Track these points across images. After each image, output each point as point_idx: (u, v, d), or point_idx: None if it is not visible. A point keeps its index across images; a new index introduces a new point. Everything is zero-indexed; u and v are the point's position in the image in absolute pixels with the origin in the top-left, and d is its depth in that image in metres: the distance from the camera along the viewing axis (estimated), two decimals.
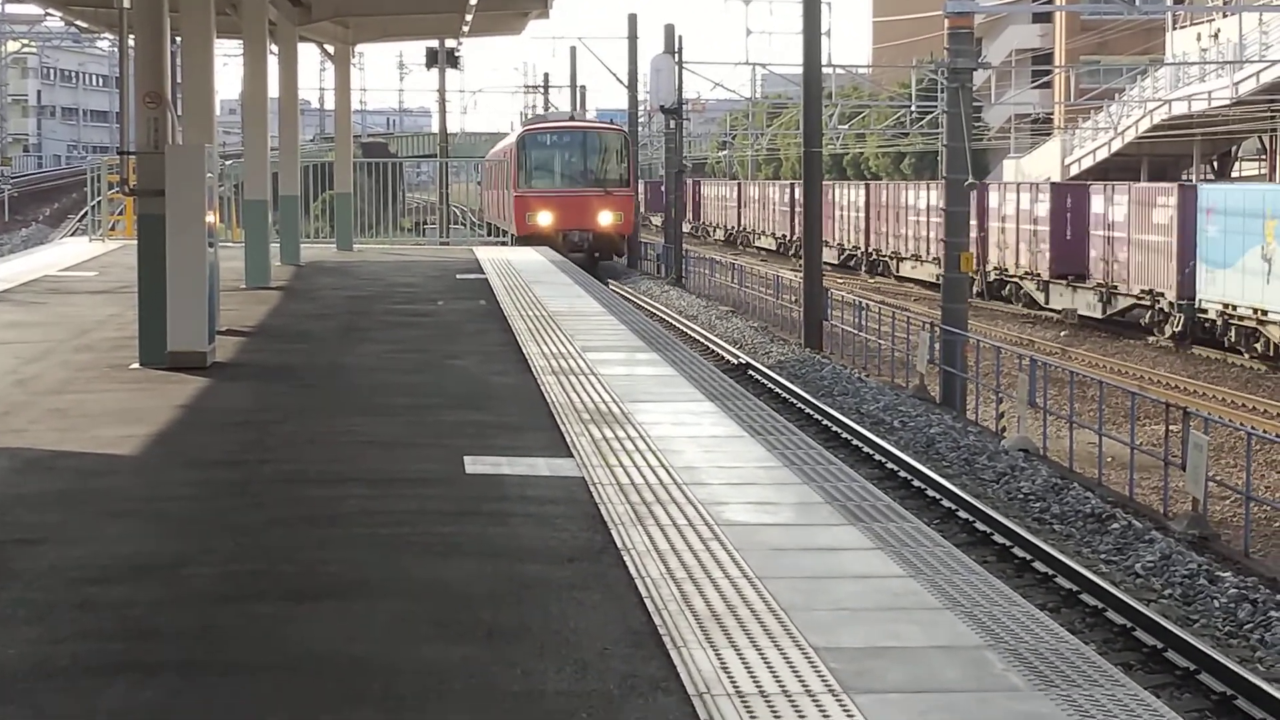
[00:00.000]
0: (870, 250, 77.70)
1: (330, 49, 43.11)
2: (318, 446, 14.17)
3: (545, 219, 48.18)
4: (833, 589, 9.24)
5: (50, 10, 40.36)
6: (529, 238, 43.86)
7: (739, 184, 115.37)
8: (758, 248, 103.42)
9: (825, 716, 6.99)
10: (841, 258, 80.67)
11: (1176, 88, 70.87)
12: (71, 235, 51.56)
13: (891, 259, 73.87)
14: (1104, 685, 7.77)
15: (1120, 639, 17.77)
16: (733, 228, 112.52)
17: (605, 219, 49.89)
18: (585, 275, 39.24)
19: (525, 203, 49.09)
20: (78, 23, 41.54)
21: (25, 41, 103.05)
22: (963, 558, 10.39)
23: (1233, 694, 15.37)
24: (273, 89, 33.03)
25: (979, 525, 23.07)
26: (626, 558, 9.84)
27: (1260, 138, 72.92)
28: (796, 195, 78.88)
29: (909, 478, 26.16)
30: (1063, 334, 50.91)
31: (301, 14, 35.27)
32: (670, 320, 51.29)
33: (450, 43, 54.26)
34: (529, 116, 64.92)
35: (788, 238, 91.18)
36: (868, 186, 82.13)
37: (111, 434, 14.31)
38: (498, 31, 45.11)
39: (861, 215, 79.00)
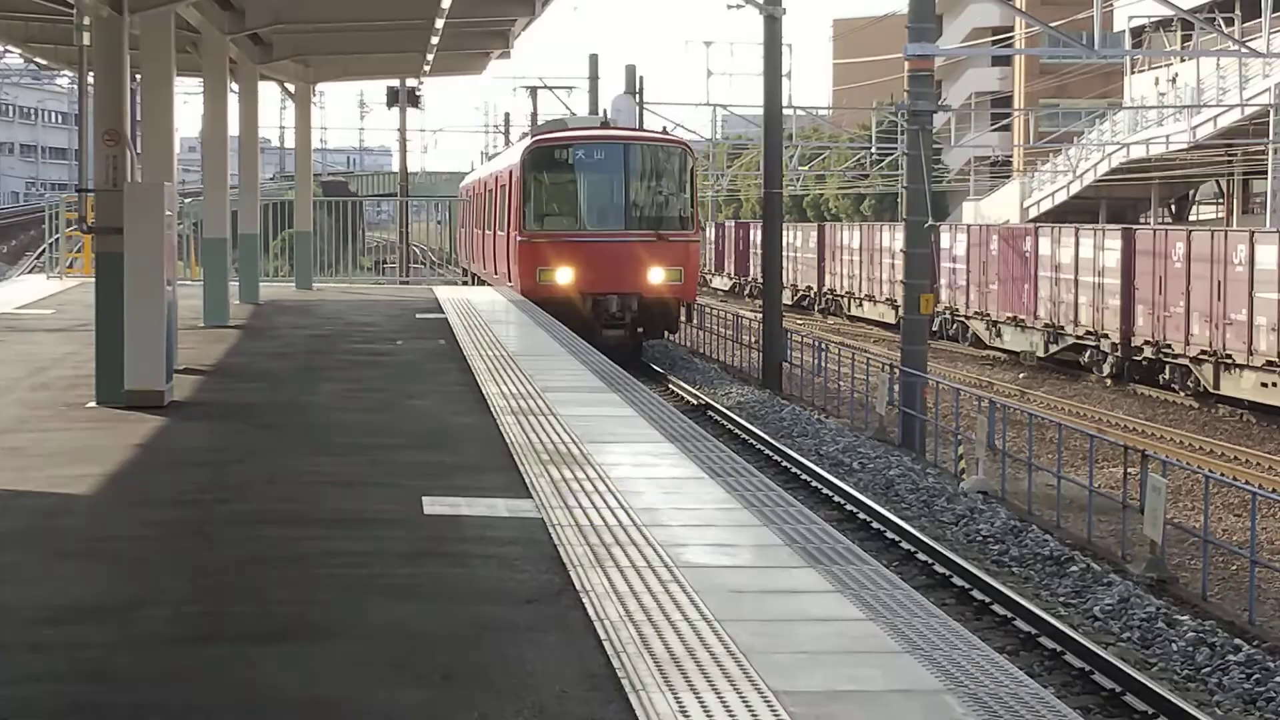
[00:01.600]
0: (825, 291, 75.42)
1: (291, 87, 43.33)
2: (276, 486, 14.17)
3: (565, 276, 31.89)
4: (792, 632, 9.24)
5: (9, 47, 40.33)
6: (542, 302, 31.04)
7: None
8: (713, 286, 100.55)
9: None
10: (795, 298, 76.60)
11: (1135, 131, 71.96)
12: (29, 273, 51.36)
13: (845, 299, 72.21)
14: None
15: (1079, 682, 17.93)
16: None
17: (657, 277, 32.33)
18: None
19: (534, 252, 32.73)
20: (37, 60, 41.83)
21: None
22: (922, 600, 10.39)
23: None
24: (233, 127, 32.89)
25: (938, 568, 23.25)
26: (585, 599, 9.82)
27: (1217, 181, 74.02)
28: (754, 236, 79.03)
29: (868, 519, 26.26)
30: (1021, 375, 51.00)
31: (262, 52, 35.36)
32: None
33: (411, 82, 52.09)
34: (541, 124, 47.50)
35: (743, 279, 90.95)
36: (820, 228, 79.19)
37: (67, 473, 14.25)
38: (459, 71, 45.37)
39: (814, 256, 76.30)
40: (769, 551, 11.59)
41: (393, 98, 53.89)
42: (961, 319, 54.39)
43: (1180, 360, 39.16)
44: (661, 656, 8.50)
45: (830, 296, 73.06)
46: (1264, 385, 35.31)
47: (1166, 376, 41.05)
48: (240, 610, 9.76)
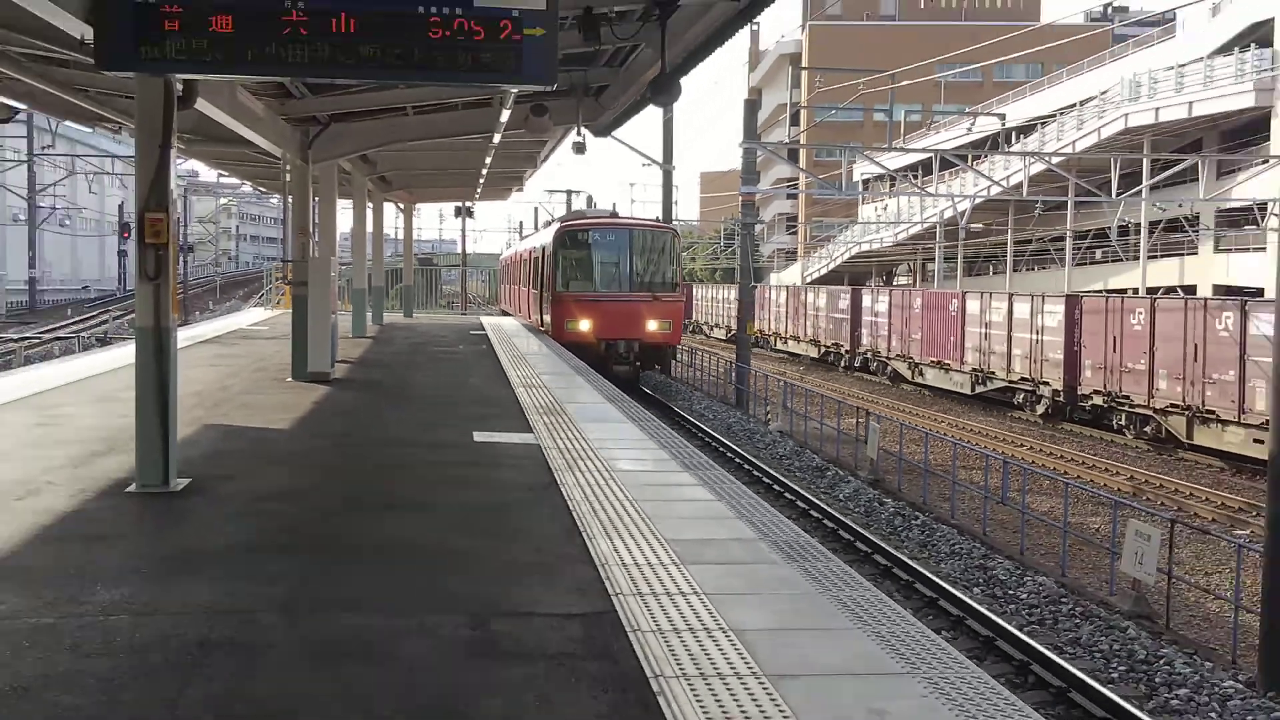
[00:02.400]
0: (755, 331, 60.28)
1: (401, 205, 45.67)
2: (390, 426, 14.51)
3: (586, 325, 31.00)
4: (677, 508, 9.61)
5: (245, 181, 42.31)
6: (569, 344, 29.31)
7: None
8: None
9: (671, 578, 7.56)
10: (728, 335, 62.86)
11: (864, 236, 74.20)
12: (255, 306, 51.83)
13: (772, 337, 59.98)
14: (819, 558, 8.63)
15: (832, 537, 17.83)
16: None
17: (653, 327, 31.83)
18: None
19: (565, 307, 31.58)
20: (260, 188, 43.67)
21: (230, 199, 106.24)
22: (745, 490, 10.69)
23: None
24: (369, 226, 34.62)
25: (754, 472, 23.37)
26: (561, 489, 10.30)
27: (909, 264, 77.11)
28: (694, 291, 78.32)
29: (717, 446, 26.41)
30: (881, 387, 50.10)
31: (384, 186, 36.18)
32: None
33: (467, 203, 52.87)
34: (566, 214, 43.81)
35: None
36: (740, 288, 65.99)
37: (275, 416, 14.64)
38: (493, 198, 46.73)
39: (734, 306, 59.90)
40: (663, 463, 11.87)
41: (457, 212, 53.81)
42: (882, 359, 45.83)
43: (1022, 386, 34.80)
44: (603, 519, 9.13)
45: (759, 335, 58.40)
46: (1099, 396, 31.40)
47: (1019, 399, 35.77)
48: (369, 494, 10.30)
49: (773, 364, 49.29)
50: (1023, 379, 35.14)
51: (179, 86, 9.88)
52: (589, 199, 64.94)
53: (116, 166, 62.43)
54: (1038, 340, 34.28)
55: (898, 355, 44.68)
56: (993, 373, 37.15)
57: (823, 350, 52.50)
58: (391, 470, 11.40)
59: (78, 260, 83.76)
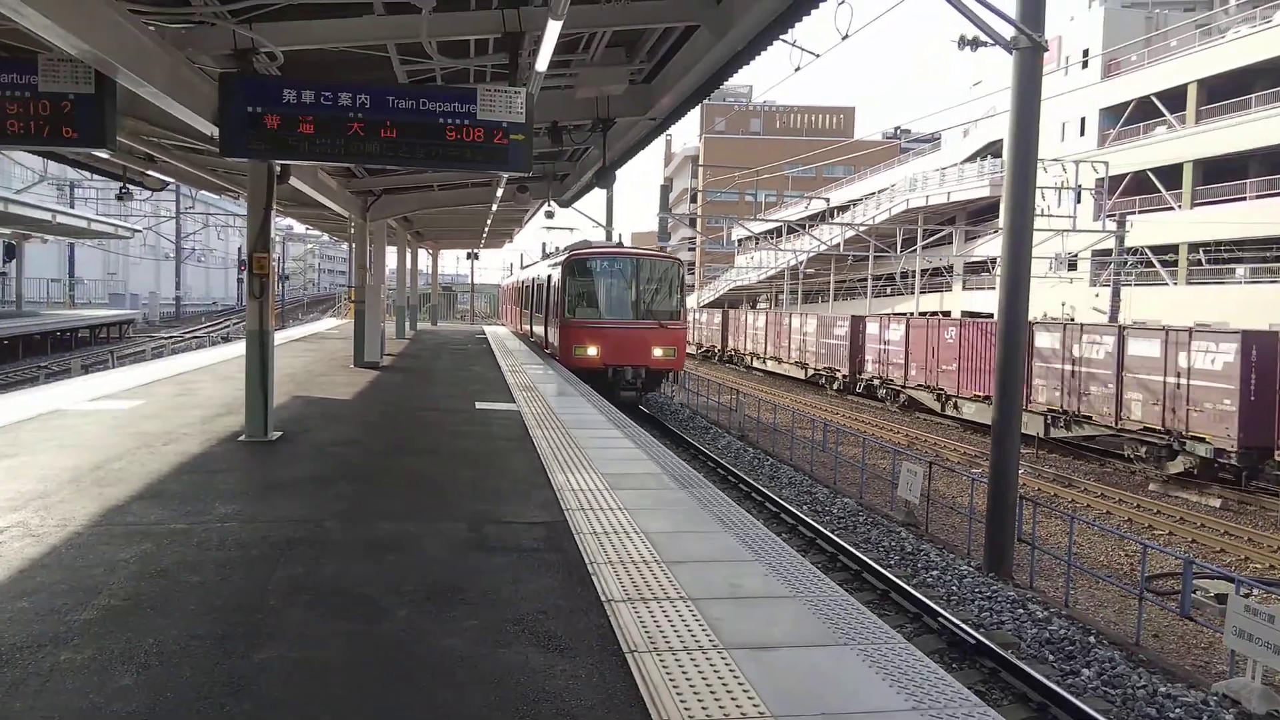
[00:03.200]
0: (729, 349, 45.88)
1: (429, 250, 44.38)
2: (422, 396, 14.17)
3: (594, 351, 23.75)
4: (609, 453, 9.55)
5: (325, 233, 41.00)
6: (576, 369, 22.55)
7: None
8: None
9: (604, 498, 7.61)
10: (700, 352, 49.55)
11: (738, 276, 72.35)
12: (330, 317, 50.84)
13: (748, 355, 42.74)
14: (702, 486, 8.60)
15: (707, 464, 17.69)
16: None
17: (659, 353, 23.87)
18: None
19: (573, 333, 23.68)
20: (334, 237, 42.64)
21: (314, 244, 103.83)
22: (655, 442, 10.60)
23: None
24: (408, 264, 33.68)
25: (670, 434, 22.06)
26: (533, 440, 10.19)
27: (767, 295, 74.83)
28: None
29: (641, 414, 24.35)
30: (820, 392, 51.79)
31: (418, 238, 35.62)
32: None
33: (474, 249, 51.81)
34: (576, 242, 28.31)
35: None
36: (724, 312, 47.68)
37: (341, 391, 14.35)
38: (493, 246, 45.57)
39: (719, 327, 47.08)
40: (603, 425, 11.69)
41: (468, 255, 52.71)
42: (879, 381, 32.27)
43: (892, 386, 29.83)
44: (561, 460, 9.10)
45: (734, 352, 44.96)
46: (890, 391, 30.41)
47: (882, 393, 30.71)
48: (404, 442, 10.07)
49: (753, 381, 38.50)
50: (828, 368, 34.69)
51: (278, 168, 9.72)
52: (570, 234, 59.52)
53: (237, 222, 61.80)
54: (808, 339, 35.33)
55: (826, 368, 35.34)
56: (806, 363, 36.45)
57: (811, 372, 36.28)
58: (419, 426, 11.16)
59: (210, 285, 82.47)
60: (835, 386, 34.39)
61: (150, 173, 16.53)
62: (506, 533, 6.43)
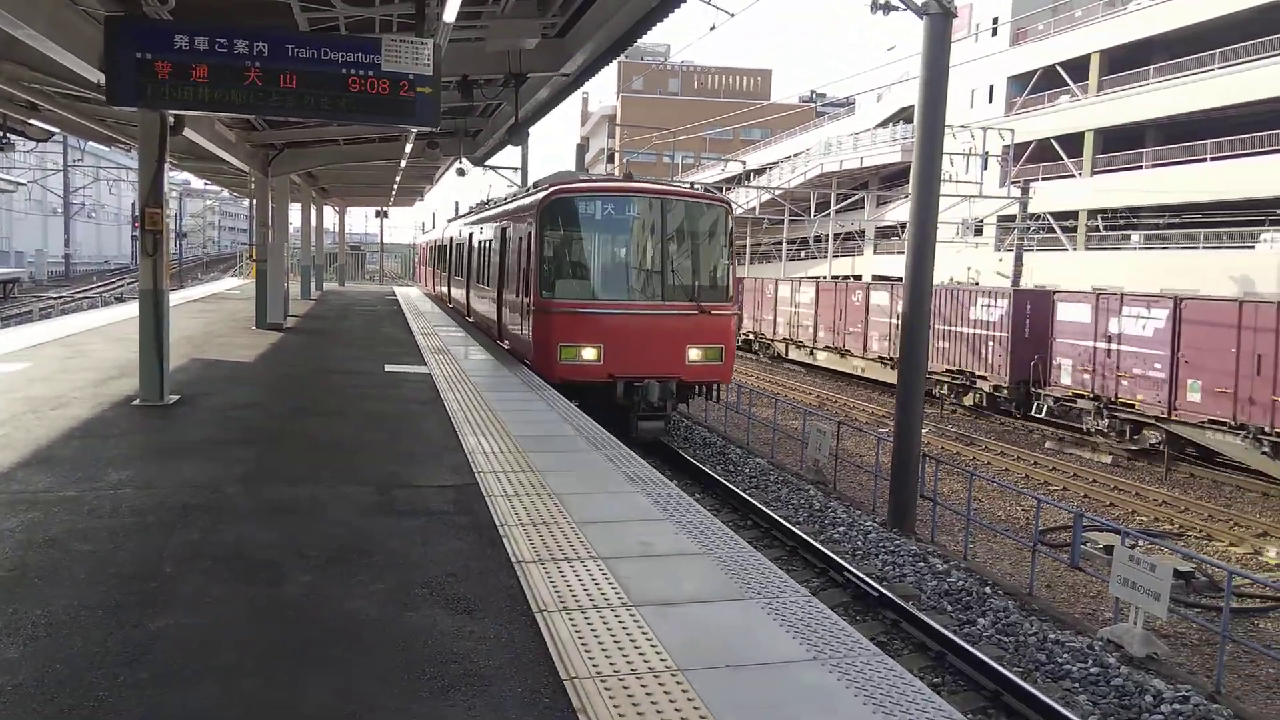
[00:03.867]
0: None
1: (336, 208, 42.89)
2: (328, 358, 13.91)
3: (593, 355, 11.64)
4: (523, 416, 9.46)
5: (223, 188, 39.12)
6: (567, 385, 11.77)
7: None
8: None
9: (516, 461, 7.61)
10: None
11: None
12: (231, 277, 49.00)
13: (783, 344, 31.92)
14: (615, 447, 8.62)
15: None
16: None
17: (697, 356, 11.70)
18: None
19: (558, 326, 11.60)
20: (234, 193, 40.75)
21: (213, 200, 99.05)
22: (571, 405, 10.62)
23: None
24: (313, 222, 32.55)
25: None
26: (445, 403, 10.08)
27: None
28: None
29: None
30: None
31: (324, 194, 34.44)
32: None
33: (384, 208, 50.16)
34: (555, 174, 15.64)
35: None
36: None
37: (243, 353, 13.98)
38: (403, 204, 44.28)
39: None
40: (516, 388, 11.62)
41: (377, 213, 50.99)
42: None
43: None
44: (473, 423, 9.03)
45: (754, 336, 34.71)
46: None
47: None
48: (309, 405, 9.90)
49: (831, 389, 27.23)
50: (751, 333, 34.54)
51: (170, 119, 9.30)
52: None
53: (130, 176, 59.02)
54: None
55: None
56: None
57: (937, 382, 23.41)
58: (325, 389, 11.00)
59: (102, 242, 78.73)
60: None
61: (33, 122, 15.64)
62: (416, 496, 6.38)
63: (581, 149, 41.31)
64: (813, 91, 69.22)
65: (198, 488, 6.35)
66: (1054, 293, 21.15)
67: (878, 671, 3.82)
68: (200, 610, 4.33)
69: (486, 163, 22.45)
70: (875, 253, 50.71)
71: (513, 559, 5.12)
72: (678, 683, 3.69)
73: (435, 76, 7.34)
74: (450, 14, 7.27)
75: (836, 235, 52.26)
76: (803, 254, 56.97)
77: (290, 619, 4.28)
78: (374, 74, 7.24)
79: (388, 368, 13.00)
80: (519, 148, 29.92)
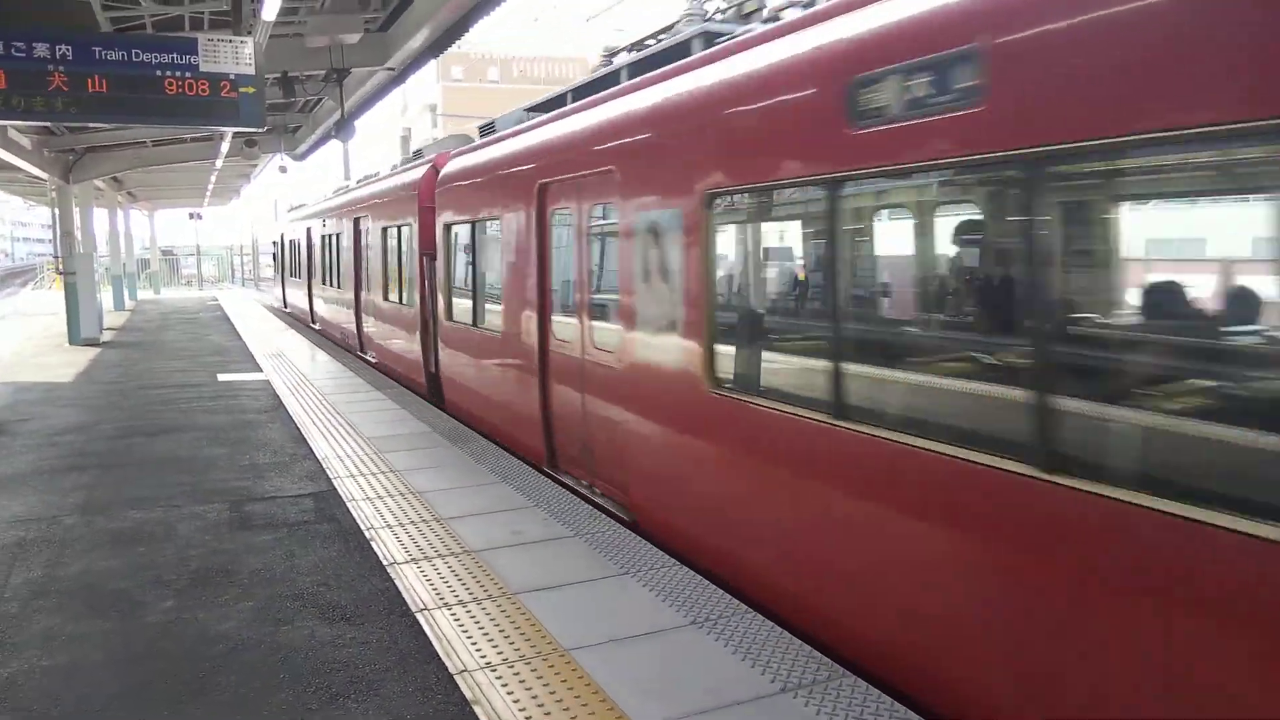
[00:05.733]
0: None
1: (146, 212, 39.77)
2: (154, 372, 13.12)
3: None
4: (373, 416, 9.26)
5: (19, 196, 35.72)
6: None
7: None
8: None
9: (373, 463, 7.47)
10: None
11: None
12: (33, 290, 45.03)
13: None
14: (476, 441, 8.60)
15: None
16: None
17: None
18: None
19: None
20: (31, 200, 37.17)
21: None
22: (421, 399, 10.25)
23: None
24: (121, 228, 30.16)
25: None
26: (288, 410, 9.75)
27: None
28: None
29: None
30: None
31: (131, 198, 32.08)
32: None
33: (198, 209, 46.56)
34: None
35: None
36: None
37: (60, 372, 13.07)
38: (219, 204, 41.99)
39: None
40: (362, 387, 11.20)
41: (189, 216, 47.47)
42: None
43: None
44: (321, 427, 8.78)
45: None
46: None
47: None
48: (140, 423, 9.33)
49: None
50: None
51: None
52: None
53: None
54: None
55: None
56: None
57: None
58: (156, 405, 10.44)
59: None
60: None
61: None
62: (272, 508, 6.18)
63: (405, 140, 40.32)
64: None
65: (31, 521, 5.93)
66: None
67: (754, 630, 4.04)
68: (55, 650, 4.08)
69: (309, 158, 21.57)
70: None
71: (384, 561, 5.07)
72: (567, 663, 3.79)
73: (259, 76, 7.06)
74: (270, 12, 6.99)
75: None
76: None
77: (159, 649, 4.10)
78: (192, 75, 6.89)
79: (221, 377, 12.43)
80: (344, 143, 28.89)
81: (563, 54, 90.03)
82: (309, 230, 18.69)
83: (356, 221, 13.66)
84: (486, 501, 6.16)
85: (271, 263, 26.96)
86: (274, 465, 7.37)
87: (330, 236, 16.01)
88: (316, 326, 18.24)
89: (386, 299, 11.85)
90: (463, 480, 6.74)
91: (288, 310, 23.15)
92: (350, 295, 14.23)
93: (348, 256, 14.40)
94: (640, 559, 4.95)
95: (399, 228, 10.95)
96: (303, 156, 20.70)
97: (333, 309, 16.15)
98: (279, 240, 24.48)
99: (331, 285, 16.09)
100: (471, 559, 5.04)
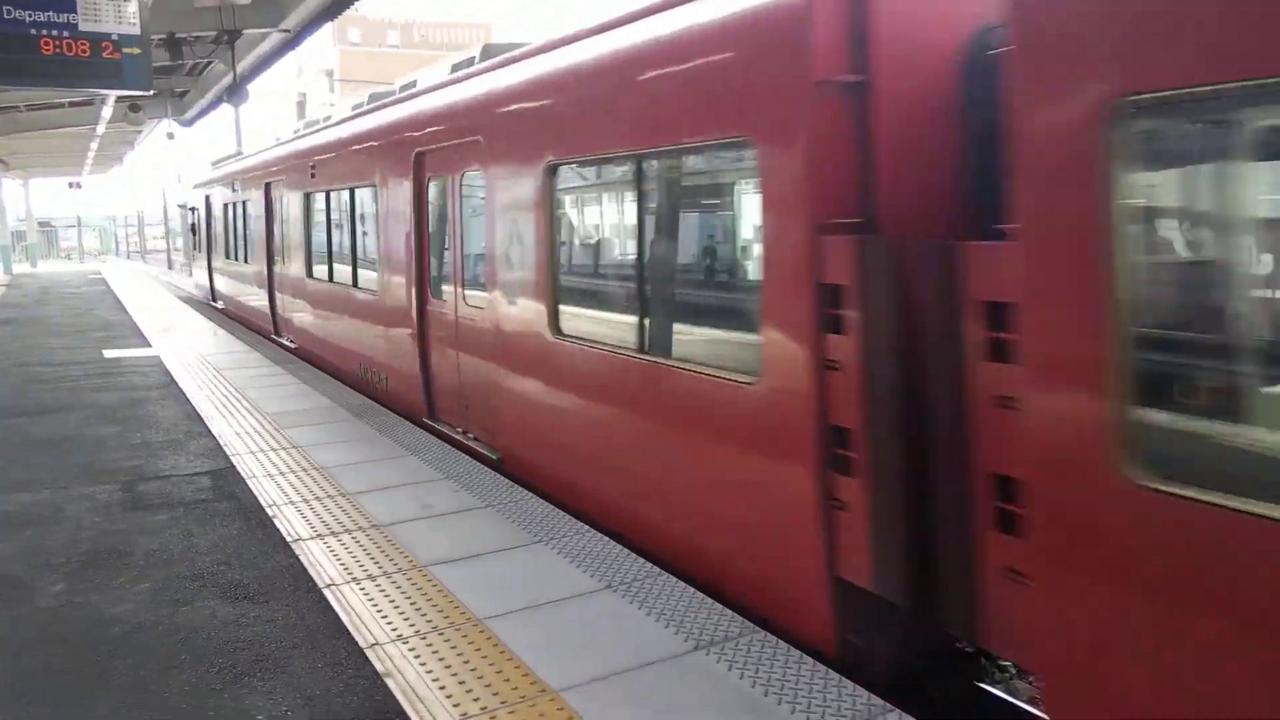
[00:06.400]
0: None
1: (21, 181, 37.57)
2: (35, 349, 12.52)
3: None
4: (273, 392, 9.07)
5: None
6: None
7: None
8: None
9: (274, 439, 7.34)
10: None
11: None
12: None
13: None
14: (382, 415, 8.46)
15: None
16: None
17: None
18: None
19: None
20: None
21: None
22: (323, 374, 10.10)
23: None
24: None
25: None
26: (181, 387, 9.45)
27: None
28: None
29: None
30: None
31: (2, 166, 30.21)
32: None
33: (78, 179, 44.03)
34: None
35: None
36: None
37: None
38: (101, 172, 39.91)
39: None
40: (262, 362, 10.96)
41: (70, 185, 45.17)
42: None
43: None
44: (218, 404, 8.54)
45: None
46: None
47: None
48: (23, 403, 8.96)
49: None
50: None
51: None
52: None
53: None
54: None
55: None
56: None
57: None
58: (39, 383, 9.97)
59: None
60: None
61: None
62: (167, 487, 5.99)
63: (301, 105, 39.01)
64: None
65: None
66: None
67: (669, 592, 4.12)
68: None
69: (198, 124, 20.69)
70: None
71: (288, 538, 4.98)
72: (480, 632, 3.80)
73: (144, 36, 6.74)
74: None
75: None
76: None
77: (52, 634, 3.95)
78: (70, 34, 6.52)
79: (108, 354, 11.99)
80: (236, 108, 27.81)
81: (465, 19, 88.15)
82: (213, 198, 16.04)
83: (275, 185, 11.97)
84: (394, 475, 6.10)
85: (190, 236, 20.62)
86: (168, 444, 7.14)
87: (233, 204, 14.17)
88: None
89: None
90: (368, 454, 6.65)
91: (219, 306, 17.28)
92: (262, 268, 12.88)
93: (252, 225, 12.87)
94: (554, 527, 4.98)
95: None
96: (191, 122, 19.87)
97: (240, 284, 13.95)
98: (202, 205, 17.95)
99: (234, 257, 14.22)
100: (380, 533, 4.99)
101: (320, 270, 10.33)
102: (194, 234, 19.29)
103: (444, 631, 3.82)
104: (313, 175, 10.01)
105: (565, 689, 3.33)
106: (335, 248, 9.80)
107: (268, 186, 12.30)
